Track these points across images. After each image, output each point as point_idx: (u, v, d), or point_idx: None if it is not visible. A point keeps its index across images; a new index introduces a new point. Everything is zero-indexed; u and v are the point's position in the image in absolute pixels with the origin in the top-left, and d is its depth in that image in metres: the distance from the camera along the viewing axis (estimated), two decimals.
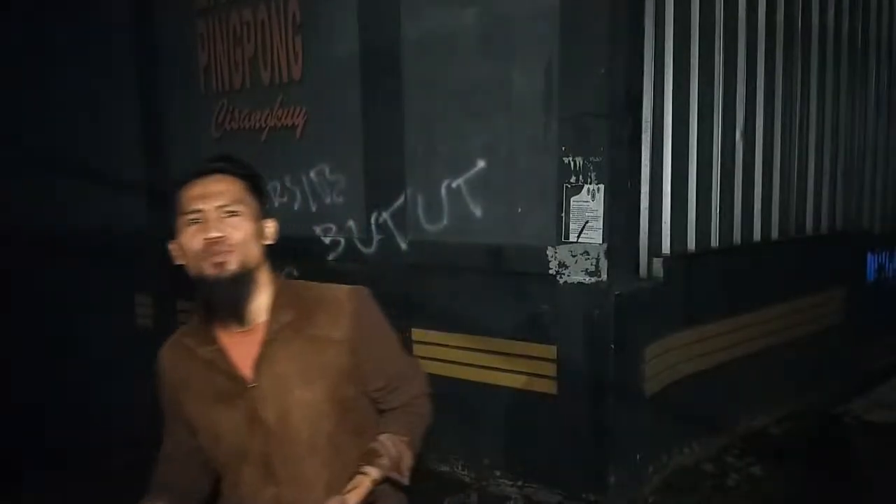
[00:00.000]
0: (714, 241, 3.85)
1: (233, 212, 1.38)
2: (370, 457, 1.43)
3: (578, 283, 3.25)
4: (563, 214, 3.28)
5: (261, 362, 1.42)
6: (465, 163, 3.60)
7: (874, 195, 5.32)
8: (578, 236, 3.26)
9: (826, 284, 4.88)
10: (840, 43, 4.76)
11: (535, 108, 3.35)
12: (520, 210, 3.46)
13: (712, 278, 3.86)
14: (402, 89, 3.79)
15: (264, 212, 1.46)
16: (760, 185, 4.15)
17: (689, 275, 3.64)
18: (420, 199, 3.78)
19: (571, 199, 3.27)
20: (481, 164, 3.56)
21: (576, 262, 3.26)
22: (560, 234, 3.30)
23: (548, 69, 3.30)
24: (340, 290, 1.50)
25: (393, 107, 3.82)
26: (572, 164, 3.25)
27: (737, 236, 4.02)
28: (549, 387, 3.39)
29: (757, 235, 4.17)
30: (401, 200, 3.84)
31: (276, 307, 1.44)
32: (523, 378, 3.48)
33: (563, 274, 3.29)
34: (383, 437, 1.46)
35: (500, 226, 3.51)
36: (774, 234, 4.31)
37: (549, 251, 3.32)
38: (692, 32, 3.59)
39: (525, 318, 3.45)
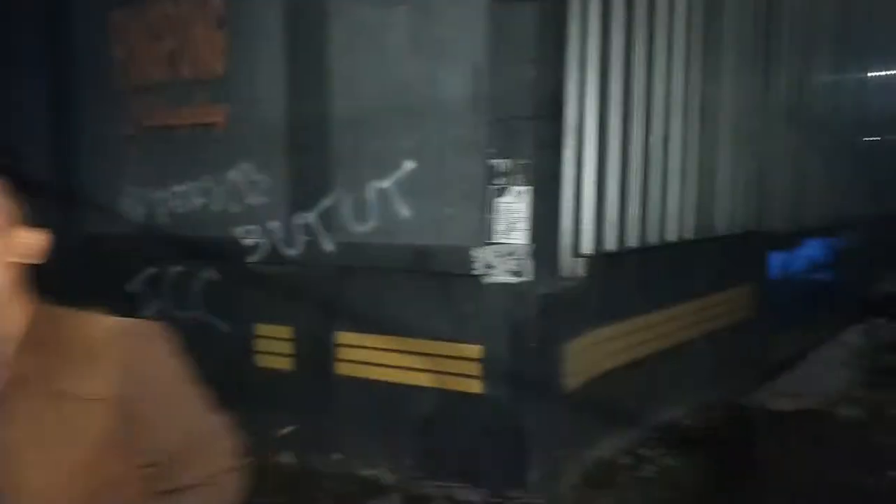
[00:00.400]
0: (632, 241, 3.99)
1: None
2: None
3: (503, 283, 3.31)
4: (489, 216, 3.33)
5: None
6: (392, 163, 3.59)
7: (779, 198, 5.62)
8: (504, 237, 3.32)
9: (736, 282, 5.15)
10: (755, 54, 5.01)
11: (464, 109, 3.38)
12: (447, 211, 3.48)
13: (630, 277, 4.01)
14: (328, 87, 3.75)
15: (25, 219, 1.09)
16: (677, 188, 4.33)
17: (609, 274, 3.77)
18: (347, 200, 3.75)
19: (497, 200, 3.32)
20: (409, 165, 3.56)
21: (501, 262, 3.31)
22: (486, 236, 3.35)
23: (476, 71, 3.33)
24: (115, 327, 1.12)
25: (319, 105, 3.77)
26: (499, 165, 3.30)
27: (653, 236, 4.18)
28: (474, 386, 3.44)
29: (672, 235, 4.34)
30: (327, 201, 3.80)
31: (23, 349, 1.06)
32: (449, 378, 3.51)
33: (489, 274, 3.34)
34: None
35: (428, 227, 3.53)
36: (689, 234, 4.50)
37: (475, 252, 3.36)
38: (614, 39, 3.69)
39: (451, 318, 3.48)
